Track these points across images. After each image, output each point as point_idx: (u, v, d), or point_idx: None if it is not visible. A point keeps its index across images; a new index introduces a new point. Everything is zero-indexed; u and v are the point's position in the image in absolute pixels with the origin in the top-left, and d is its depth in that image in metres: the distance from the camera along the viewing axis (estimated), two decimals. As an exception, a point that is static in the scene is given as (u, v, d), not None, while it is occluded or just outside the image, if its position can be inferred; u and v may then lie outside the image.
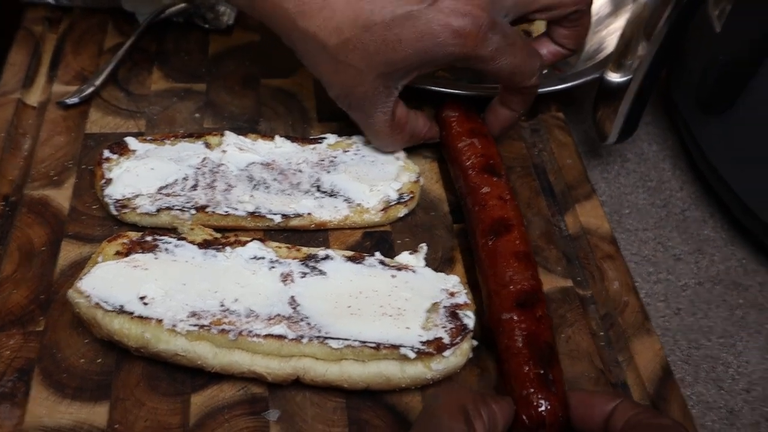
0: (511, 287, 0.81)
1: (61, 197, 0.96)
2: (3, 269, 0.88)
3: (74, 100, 1.06)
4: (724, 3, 1.07)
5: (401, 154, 1.01)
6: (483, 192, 0.92)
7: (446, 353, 0.77)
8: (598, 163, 1.19)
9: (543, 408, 0.72)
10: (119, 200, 0.92)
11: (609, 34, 1.23)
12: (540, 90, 1.08)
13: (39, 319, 0.84)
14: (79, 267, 0.89)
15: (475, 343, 0.82)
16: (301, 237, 0.94)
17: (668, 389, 0.83)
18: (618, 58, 1.04)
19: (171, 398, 0.79)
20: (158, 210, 0.91)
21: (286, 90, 1.13)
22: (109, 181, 0.93)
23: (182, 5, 1.19)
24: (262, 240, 0.87)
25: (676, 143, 1.23)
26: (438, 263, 0.92)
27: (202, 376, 0.80)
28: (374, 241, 0.94)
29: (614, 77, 1.05)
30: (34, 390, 0.78)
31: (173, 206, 0.91)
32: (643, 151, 1.22)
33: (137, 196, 0.92)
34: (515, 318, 0.79)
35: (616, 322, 0.89)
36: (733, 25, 1.03)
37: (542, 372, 0.75)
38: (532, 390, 0.73)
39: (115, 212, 0.91)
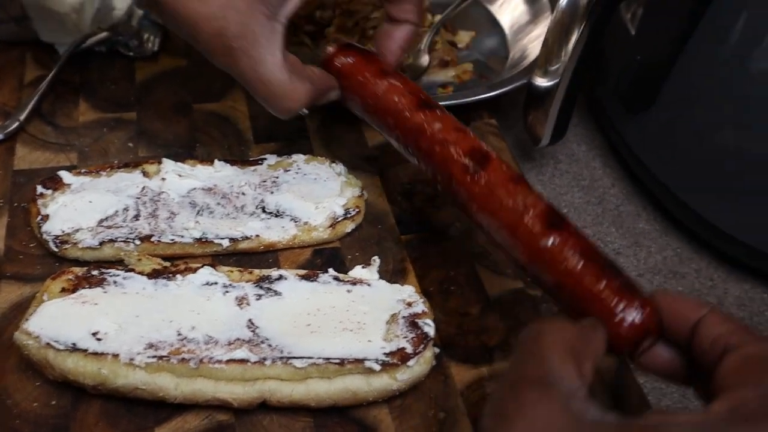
0: (532, 212, 0.72)
1: (-5, 238, 0.92)
2: (-62, 317, 0.84)
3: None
4: (635, 6, 1.12)
5: (342, 169, 1.01)
6: (436, 128, 0.82)
7: (410, 363, 0.77)
8: (533, 166, 1.22)
9: (640, 315, 0.65)
10: (59, 236, 0.89)
11: (530, 42, 1.27)
12: (470, 99, 1.11)
13: (-17, 366, 0.80)
14: (21, 308, 0.85)
15: (437, 350, 0.82)
16: (251, 259, 0.93)
17: (626, 377, 0.85)
18: (543, 64, 1.07)
19: (133, 435, 0.76)
20: (101, 243, 0.88)
21: (219, 113, 1.12)
22: (45, 218, 0.90)
23: (104, 34, 1.16)
24: (212, 265, 0.86)
25: (604, 142, 1.27)
26: (390, 275, 0.92)
27: (164, 408, 0.78)
28: (325, 258, 0.94)
29: (541, 82, 1.08)
30: (-15, 440, 0.75)
31: (116, 238, 0.89)
32: (574, 151, 1.26)
33: (77, 230, 0.90)
34: (558, 239, 0.70)
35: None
36: (646, 27, 1.08)
37: (622, 279, 0.68)
38: (623, 302, 0.65)
39: (55, 249, 0.88)
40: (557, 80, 1.05)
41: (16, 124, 1.04)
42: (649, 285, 1.07)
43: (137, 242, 0.89)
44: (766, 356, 0.57)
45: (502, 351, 0.86)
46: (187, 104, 1.12)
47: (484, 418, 0.57)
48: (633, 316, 0.65)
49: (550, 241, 0.71)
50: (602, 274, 0.68)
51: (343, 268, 0.92)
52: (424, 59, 1.20)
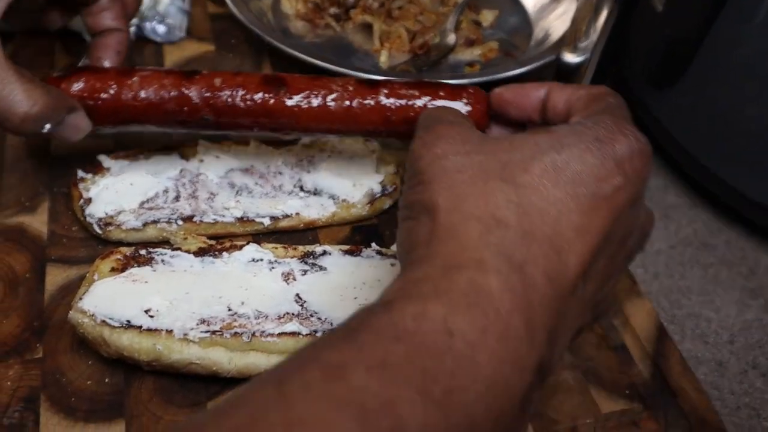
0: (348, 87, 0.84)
1: (38, 222, 0.93)
2: (-12, 301, 0.85)
3: (35, 123, 1.03)
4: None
5: (376, 147, 1.02)
6: (218, 82, 0.85)
7: (459, 332, 0.78)
8: (559, 143, 1.22)
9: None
10: (102, 219, 0.90)
11: (554, 19, 1.28)
12: (499, 75, 1.11)
13: (36, 347, 0.81)
14: (67, 290, 0.86)
15: (483, 320, 0.83)
16: (291, 237, 0.94)
17: (665, 346, 0.86)
18: (572, 41, 1.08)
19: (188, 409, 0.77)
20: (144, 224, 0.90)
21: (250, 96, 1.12)
22: (88, 201, 0.91)
23: (134, 20, 1.17)
24: (257, 242, 0.87)
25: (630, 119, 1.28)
26: (429, 250, 0.93)
27: (215, 383, 0.79)
28: (363, 235, 0.95)
29: (571, 59, 1.08)
30: (44, 417, 0.76)
31: (159, 219, 0.90)
32: (599, 128, 1.26)
33: (120, 212, 0.91)
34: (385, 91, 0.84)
35: (606, 288, 0.92)
36: (675, 3, 1.09)
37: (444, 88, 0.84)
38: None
39: (99, 231, 0.89)
40: (587, 57, 1.06)
41: (52, 110, 1.04)
42: (681, 257, 1.08)
43: (179, 222, 0.90)
44: (610, 91, 0.67)
45: (543, 321, 0.87)
46: (218, 88, 1.13)
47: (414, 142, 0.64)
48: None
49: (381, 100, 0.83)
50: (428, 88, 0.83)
51: (381, 244, 0.93)
52: (451, 38, 1.20)
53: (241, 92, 0.84)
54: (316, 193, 0.96)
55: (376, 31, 1.20)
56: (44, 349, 0.81)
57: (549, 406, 0.80)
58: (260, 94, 0.84)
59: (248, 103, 0.84)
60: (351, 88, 0.84)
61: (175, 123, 0.86)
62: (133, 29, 1.19)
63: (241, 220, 0.91)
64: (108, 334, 0.75)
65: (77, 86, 0.84)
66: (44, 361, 0.80)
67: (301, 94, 0.84)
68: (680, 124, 1.12)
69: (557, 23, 1.25)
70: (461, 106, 0.82)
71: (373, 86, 0.84)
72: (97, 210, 0.90)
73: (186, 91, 0.84)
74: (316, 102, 0.83)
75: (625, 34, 1.17)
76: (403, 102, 0.83)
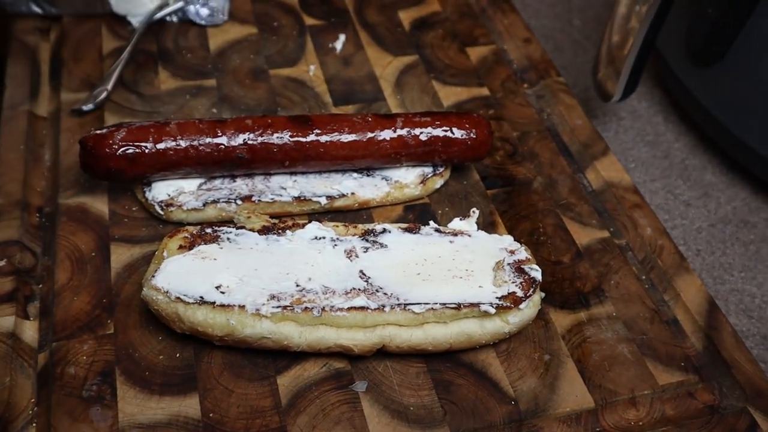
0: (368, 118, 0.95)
1: (99, 203, 0.95)
2: (57, 279, 0.87)
3: (89, 106, 1.05)
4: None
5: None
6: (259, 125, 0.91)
7: (522, 306, 0.80)
8: (597, 123, 1.24)
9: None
10: (164, 200, 0.92)
11: None
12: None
13: (107, 323, 0.83)
14: (133, 269, 0.88)
15: (542, 294, 0.85)
16: (345, 217, 0.96)
17: (717, 319, 0.88)
18: (620, 21, 1.09)
19: (258, 383, 0.80)
20: (204, 204, 0.91)
21: (296, 78, 1.14)
22: (148, 183, 0.93)
23: (178, 4, 1.19)
24: (319, 221, 0.89)
25: (664, 98, 1.29)
26: (481, 227, 0.95)
27: (283, 358, 0.81)
28: (416, 214, 0.97)
29: (616, 38, 1.10)
30: (120, 390, 0.78)
31: (218, 199, 0.92)
32: (635, 108, 1.28)
33: (180, 193, 0.93)
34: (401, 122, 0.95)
35: (656, 264, 0.94)
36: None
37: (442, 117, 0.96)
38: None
39: (160, 212, 0.91)
40: (631, 36, 1.07)
41: (104, 93, 1.06)
42: (721, 234, 1.10)
43: (238, 202, 0.92)
44: None
45: (597, 296, 0.90)
46: (264, 70, 1.15)
47: None
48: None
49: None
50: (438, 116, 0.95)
51: (435, 222, 0.95)
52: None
53: (271, 130, 0.91)
54: (369, 174, 0.97)
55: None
56: (115, 325, 0.83)
57: (607, 378, 0.82)
58: (289, 132, 0.91)
59: (280, 139, 0.91)
60: (370, 120, 0.94)
61: (211, 164, 0.91)
62: (177, 12, 1.20)
63: (298, 199, 0.93)
64: (183, 311, 0.77)
65: (119, 136, 0.89)
66: (116, 337, 0.82)
67: (327, 127, 0.92)
68: (720, 102, 1.13)
69: None
70: (466, 131, 0.95)
71: (390, 118, 0.95)
72: (158, 192, 0.92)
73: (220, 133, 0.90)
74: (341, 134, 0.92)
75: (664, 14, 1.18)
76: (417, 130, 0.94)
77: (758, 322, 1.00)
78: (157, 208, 0.91)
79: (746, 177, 1.17)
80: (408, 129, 0.94)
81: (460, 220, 0.92)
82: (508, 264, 0.84)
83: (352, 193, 0.95)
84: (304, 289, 0.80)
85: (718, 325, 0.88)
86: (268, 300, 0.79)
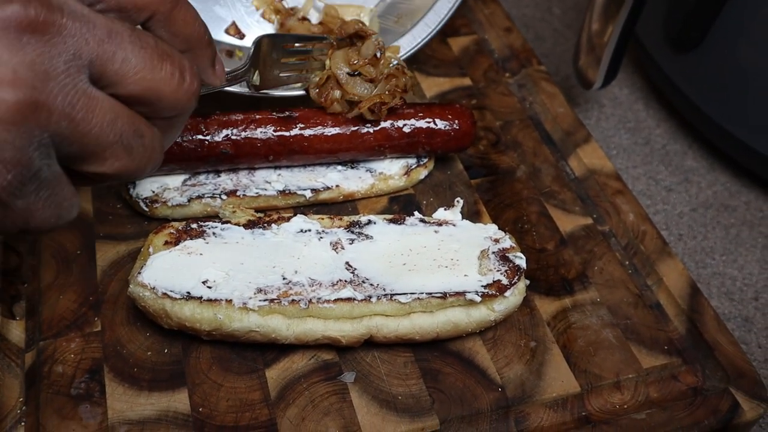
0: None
1: (83, 201, 0.95)
2: (43, 278, 0.87)
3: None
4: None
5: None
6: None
7: (507, 293, 0.81)
8: (579, 111, 1.25)
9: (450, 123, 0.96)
10: (148, 197, 0.92)
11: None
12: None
13: (94, 320, 0.83)
14: (119, 266, 0.89)
15: (527, 282, 0.86)
16: (330, 210, 0.96)
17: (699, 303, 0.90)
18: (599, 9, 1.10)
19: (246, 376, 0.80)
20: (189, 200, 0.92)
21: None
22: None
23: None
24: (304, 213, 0.89)
25: (645, 85, 1.30)
26: (466, 216, 0.95)
27: (270, 351, 0.82)
28: (401, 204, 0.98)
29: (595, 26, 1.10)
30: (109, 387, 0.78)
31: (203, 195, 0.92)
32: (616, 95, 1.29)
33: (165, 190, 0.93)
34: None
35: (639, 250, 0.95)
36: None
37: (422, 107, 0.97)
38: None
39: (145, 208, 0.91)
40: (611, 23, 1.08)
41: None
42: (703, 219, 1.11)
43: (223, 197, 0.92)
44: None
45: (581, 283, 0.91)
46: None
47: None
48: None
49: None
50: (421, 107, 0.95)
51: (420, 212, 0.95)
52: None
53: (255, 125, 0.92)
54: (353, 166, 0.98)
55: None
56: (102, 322, 0.83)
57: (592, 363, 0.83)
58: (272, 126, 0.92)
59: (264, 134, 0.91)
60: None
61: (195, 160, 0.91)
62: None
63: (283, 192, 0.94)
64: (170, 306, 0.78)
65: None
66: (103, 334, 0.82)
67: (310, 121, 0.93)
68: (701, 88, 1.14)
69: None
70: (449, 122, 0.96)
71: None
72: (143, 189, 0.92)
73: (204, 129, 0.91)
74: (324, 128, 0.93)
75: (642, 1, 1.19)
76: (400, 122, 0.94)
77: (739, 305, 1.01)
78: (142, 205, 0.91)
79: (726, 161, 1.18)
80: (391, 121, 0.94)
81: (445, 210, 0.92)
82: (493, 252, 0.85)
83: (337, 186, 0.95)
84: (290, 281, 0.81)
85: (700, 308, 0.89)
86: (255, 293, 0.79)
